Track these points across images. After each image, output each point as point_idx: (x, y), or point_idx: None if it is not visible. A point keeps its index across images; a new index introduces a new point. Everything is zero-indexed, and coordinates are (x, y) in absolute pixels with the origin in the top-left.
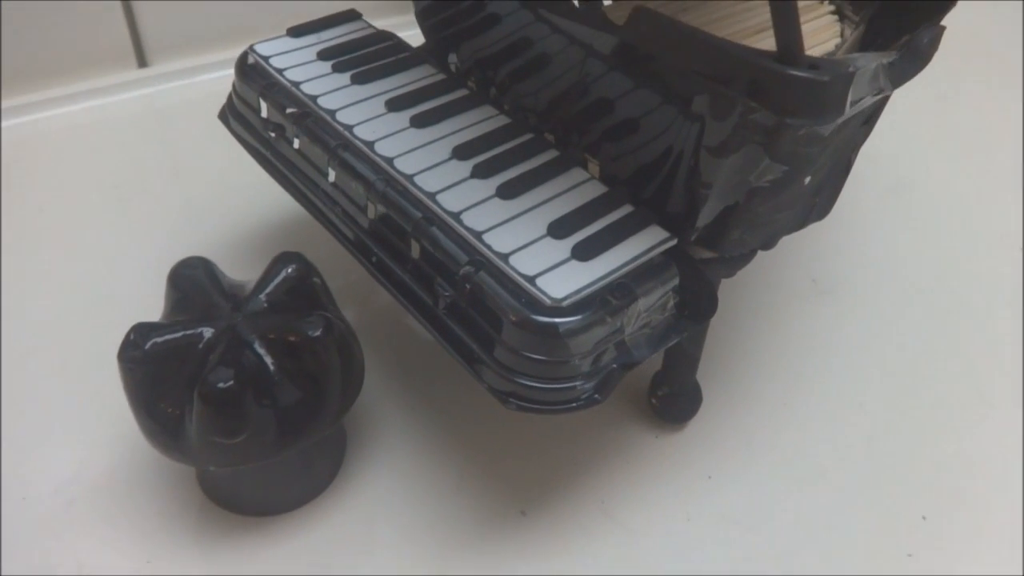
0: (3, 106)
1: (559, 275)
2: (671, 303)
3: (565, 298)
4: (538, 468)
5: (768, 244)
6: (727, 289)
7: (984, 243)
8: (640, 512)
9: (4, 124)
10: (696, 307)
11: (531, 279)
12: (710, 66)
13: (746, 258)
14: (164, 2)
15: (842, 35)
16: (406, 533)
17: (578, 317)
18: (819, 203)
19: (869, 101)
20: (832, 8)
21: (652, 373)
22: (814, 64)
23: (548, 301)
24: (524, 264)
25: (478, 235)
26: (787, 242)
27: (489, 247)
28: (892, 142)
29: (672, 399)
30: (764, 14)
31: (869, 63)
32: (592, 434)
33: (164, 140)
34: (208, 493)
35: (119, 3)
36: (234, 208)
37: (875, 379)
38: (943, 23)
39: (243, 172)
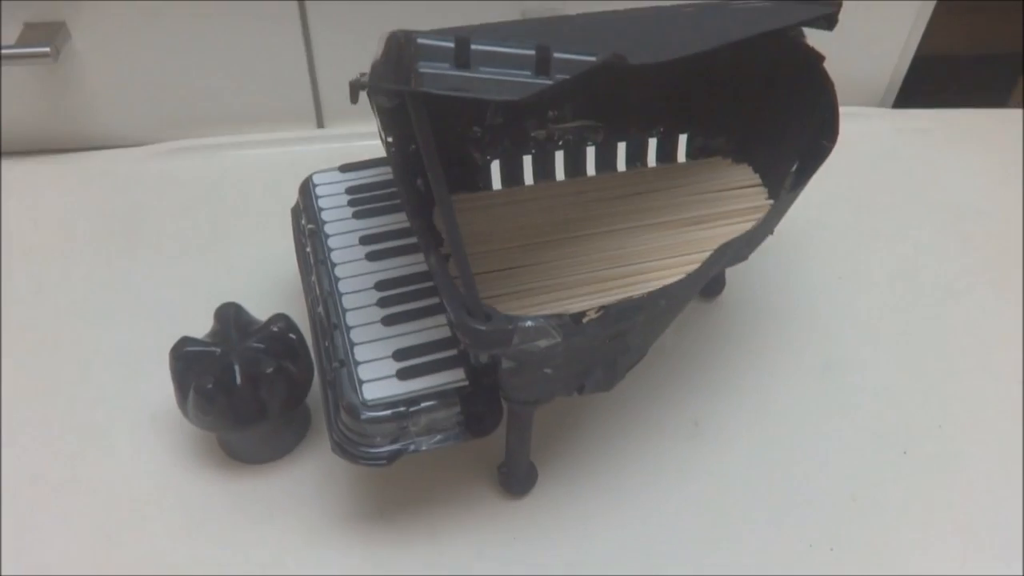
0: (204, 143)
1: (380, 385)
2: (455, 420)
3: (372, 400)
4: (405, 499)
5: (541, 400)
6: (612, 418)
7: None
8: (457, 544)
9: (199, 157)
10: (477, 426)
11: (362, 383)
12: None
13: (540, 401)
14: (343, 75)
15: None
16: (313, 508)
17: (376, 413)
18: (592, 380)
19: (546, 343)
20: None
21: None
22: (489, 315)
23: (362, 399)
24: (365, 372)
25: (353, 345)
26: (677, 383)
27: (354, 355)
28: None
29: (508, 475)
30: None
31: (538, 322)
32: (462, 488)
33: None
34: (220, 444)
35: (307, 75)
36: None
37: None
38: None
39: None
